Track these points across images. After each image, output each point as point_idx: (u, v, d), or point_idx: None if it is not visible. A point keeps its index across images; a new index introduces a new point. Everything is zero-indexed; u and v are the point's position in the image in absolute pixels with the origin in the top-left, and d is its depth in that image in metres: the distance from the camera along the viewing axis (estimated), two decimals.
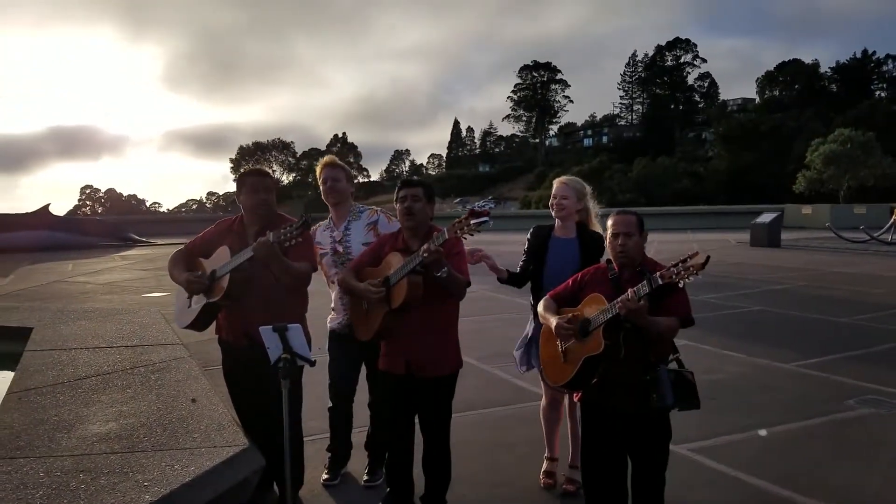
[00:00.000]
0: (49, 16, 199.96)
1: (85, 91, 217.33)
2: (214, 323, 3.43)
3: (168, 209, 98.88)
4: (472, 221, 2.76)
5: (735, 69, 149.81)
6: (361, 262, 3.32)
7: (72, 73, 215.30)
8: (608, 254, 3.01)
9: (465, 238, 2.84)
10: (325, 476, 3.82)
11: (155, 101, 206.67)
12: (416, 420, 3.29)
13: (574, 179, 3.83)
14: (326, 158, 3.90)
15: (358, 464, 3.93)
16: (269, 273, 3.05)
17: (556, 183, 3.79)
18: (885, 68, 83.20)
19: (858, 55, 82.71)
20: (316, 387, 3.97)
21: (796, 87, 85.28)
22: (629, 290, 2.61)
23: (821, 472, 3.93)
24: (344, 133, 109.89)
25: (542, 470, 3.83)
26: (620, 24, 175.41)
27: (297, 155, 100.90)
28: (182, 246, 3.55)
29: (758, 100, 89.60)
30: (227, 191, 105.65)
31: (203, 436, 3.15)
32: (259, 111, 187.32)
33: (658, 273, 2.58)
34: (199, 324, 3.27)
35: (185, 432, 3.21)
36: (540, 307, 3.06)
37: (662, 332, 2.70)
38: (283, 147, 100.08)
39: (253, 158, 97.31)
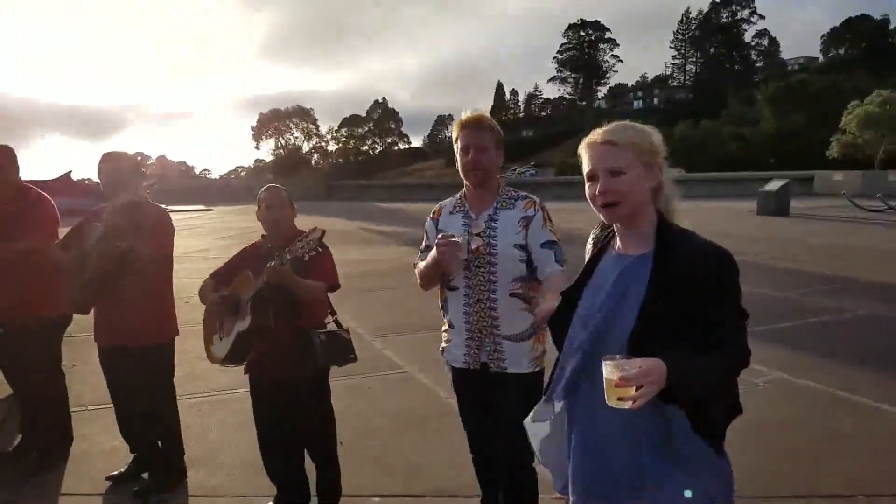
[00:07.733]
0: None
1: (173, 59, 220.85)
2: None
3: (219, 176, 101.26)
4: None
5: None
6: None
7: (162, 41, 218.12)
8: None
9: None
10: None
11: (244, 68, 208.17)
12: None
13: None
14: (467, 117, 2.63)
15: None
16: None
17: None
18: None
19: None
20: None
21: (863, 45, 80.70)
22: (271, 263, 2.78)
23: None
24: (384, 98, 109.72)
25: None
26: None
27: (317, 121, 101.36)
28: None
29: (821, 59, 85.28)
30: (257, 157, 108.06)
31: None
32: (344, 78, 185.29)
33: (287, 249, 2.78)
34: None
35: None
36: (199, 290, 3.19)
37: (310, 291, 2.92)
38: (303, 114, 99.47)
39: (272, 126, 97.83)
